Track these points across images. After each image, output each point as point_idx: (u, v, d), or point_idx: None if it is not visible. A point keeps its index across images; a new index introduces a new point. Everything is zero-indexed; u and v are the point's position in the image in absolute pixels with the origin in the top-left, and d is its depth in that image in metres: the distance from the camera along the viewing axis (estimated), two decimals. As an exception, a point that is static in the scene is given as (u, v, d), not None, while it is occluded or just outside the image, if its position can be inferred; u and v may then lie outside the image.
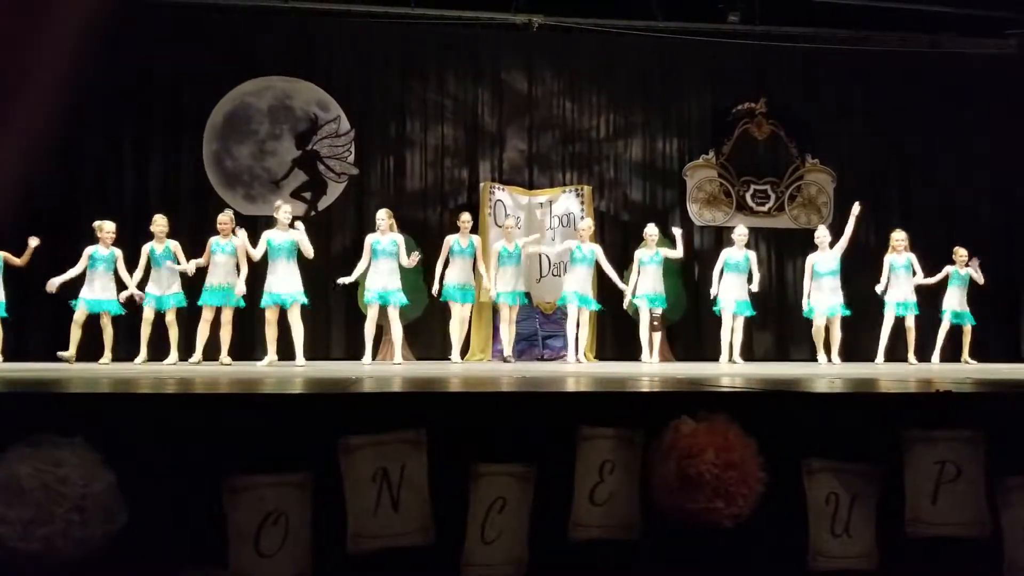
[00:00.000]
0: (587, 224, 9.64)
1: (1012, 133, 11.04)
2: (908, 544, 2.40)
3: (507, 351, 9.27)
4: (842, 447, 2.40)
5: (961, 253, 9.80)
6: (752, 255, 9.54)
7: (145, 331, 8.28)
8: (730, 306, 9.28)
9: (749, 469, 2.23)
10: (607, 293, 9.58)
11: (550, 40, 11.13)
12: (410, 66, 10.89)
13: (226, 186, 10.39)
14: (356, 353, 8.75)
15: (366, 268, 8.51)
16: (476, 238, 9.29)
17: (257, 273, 8.32)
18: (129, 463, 2.04)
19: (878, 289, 9.42)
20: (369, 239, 8.57)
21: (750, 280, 9.40)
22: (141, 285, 8.35)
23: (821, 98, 11.45)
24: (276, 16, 10.68)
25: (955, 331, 9.83)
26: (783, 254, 11.33)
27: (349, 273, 8.65)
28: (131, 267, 8.40)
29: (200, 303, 8.27)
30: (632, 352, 9.78)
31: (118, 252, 8.39)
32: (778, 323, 11.01)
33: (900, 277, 9.37)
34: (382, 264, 8.42)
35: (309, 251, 8.03)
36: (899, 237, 9.44)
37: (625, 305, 9.56)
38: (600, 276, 9.61)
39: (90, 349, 8.35)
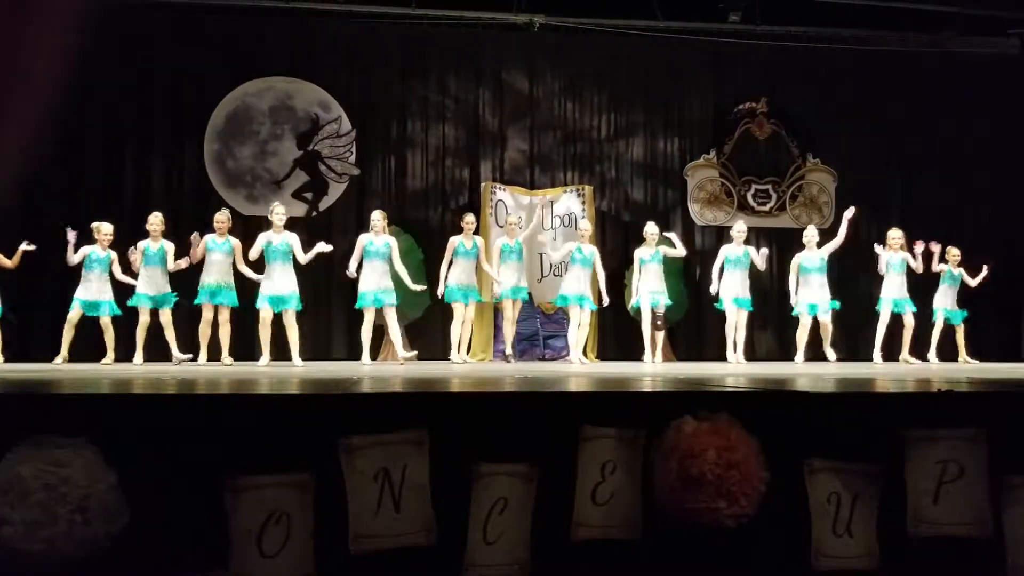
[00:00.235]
0: (586, 226, 9.66)
1: (1013, 133, 11.04)
2: (910, 544, 2.40)
3: (508, 350, 9.27)
4: (844, 447, 2.40)
5: (954, 253, 9.83)
6: (752, 249, 9.61)
7: (141, 334, 8.27)
8: (732, 302, 9.32)
9: (751, 469, 2.23)
10: (610, 294, 9.57)
11: (551, 40, 11.13)
12: (411, 66, 10.89)
13: (228, 186, 10.39)
14: (357, 354, 8.75)
15: (357, 268, 8.50)
16: (479, 239, 9.30)
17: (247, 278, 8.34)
18: (131, 464, 2.04)
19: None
20: (362, 240, 8.54)
21: (753, 270, 9.47)
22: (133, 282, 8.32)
23: (822, 98, 11.44)
24: (277, 16, 10.68)
25: (949, 331, 9.85)
26: (784, 254, 11.28)
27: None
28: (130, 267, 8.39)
29: (197, 302, 8.28)
30: (634, 352, 9.78)
31: (114, 255, 8.37)
32: (779, 323, 11.00)
33: (895, 275, 9.39)
34: (375, 265, 8.42)
35: (302, 257, 8.11)
36: (894, 236, 9.47)
37: (630, 306, 9.58)
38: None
39: (87, 351, 8.35)
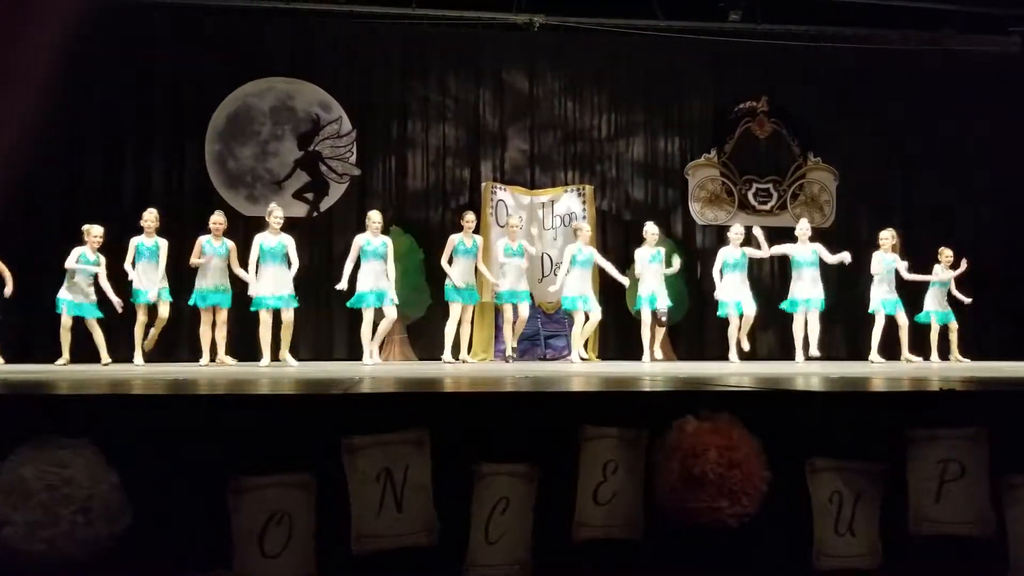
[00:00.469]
0: (585, 227, 9.65)
1: (1013, 133, 11.03)
2: (912, 543, 2.39)
3: (508, 350, 9.27)
4: (845, 446, 2.40)
5: (947, 253, 9.81)
6: (749, 250, 9.58)
7: (139, 332, 8.27)
8: (733, 306, 9.31)
9: (753, 468, 2.23)
10: (612, 293, 9.57)
11: (551, 40, 11.13)
12: (411, 66, 10.89)
13: (228, 187, 10.39)
14: (358, 354, 8.75)
15: (353, 268, 8.49)
16: (479, 238, 9.30)
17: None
18: (133, 464, 2.05)
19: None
20: (359, 240, 8.54)
21: (753, 270, 9.48)
22: (130, 285, 8.28)
23: (823, 96, 11.43)
24: (277, 17, 10.68)
25: (941, 331, 9.84)
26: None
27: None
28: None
29: (192, 303, 8.27)
30: (635, 352, 9.78)
31: (102, 259, 8.32)
32: (781, 322, 10.99)
33: (886, 276, 9.38)
34: (372, 265, 8.42)
35: (295, 261, 8.15)
36: (885, 235, 9.44)
37: (633, 309, 9.59)
38: (602, 276, 9.64)
39: (89, 352, 8.33)
